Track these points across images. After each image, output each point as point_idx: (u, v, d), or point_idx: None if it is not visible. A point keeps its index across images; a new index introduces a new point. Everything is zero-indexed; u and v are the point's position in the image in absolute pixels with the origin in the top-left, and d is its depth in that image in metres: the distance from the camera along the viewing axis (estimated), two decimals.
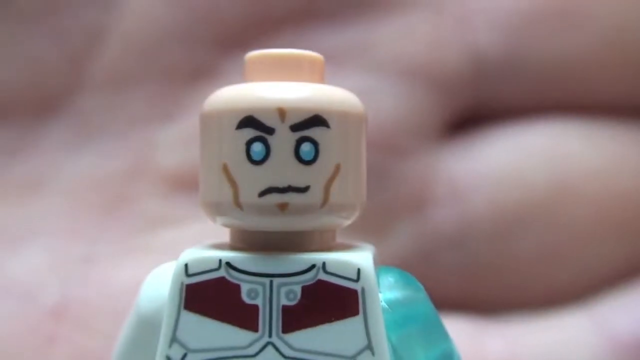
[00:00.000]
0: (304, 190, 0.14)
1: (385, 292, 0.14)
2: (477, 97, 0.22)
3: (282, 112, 0.14)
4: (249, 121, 0.14)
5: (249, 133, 0.14)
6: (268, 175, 0.14)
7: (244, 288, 0.14)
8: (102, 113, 0.22)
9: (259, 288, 0.14)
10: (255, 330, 0.14)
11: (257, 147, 0.14)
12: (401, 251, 0.21)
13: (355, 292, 0.14)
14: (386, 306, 0.14)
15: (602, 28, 0.22)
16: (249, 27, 0.21)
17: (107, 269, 0.21)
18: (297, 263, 0.14)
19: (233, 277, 0.14)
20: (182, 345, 0.14)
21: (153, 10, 0.21)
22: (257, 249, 0.14)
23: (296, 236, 0.14)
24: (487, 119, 0.22)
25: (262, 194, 0.14)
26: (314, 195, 0.14)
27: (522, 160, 0.22)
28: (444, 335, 0.15)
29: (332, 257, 0.14)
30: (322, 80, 0.15)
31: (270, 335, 0.14)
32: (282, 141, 0.14)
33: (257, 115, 0.14)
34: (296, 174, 0.14)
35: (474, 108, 0.22)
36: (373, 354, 0.14)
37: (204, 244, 0.15)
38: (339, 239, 0.16)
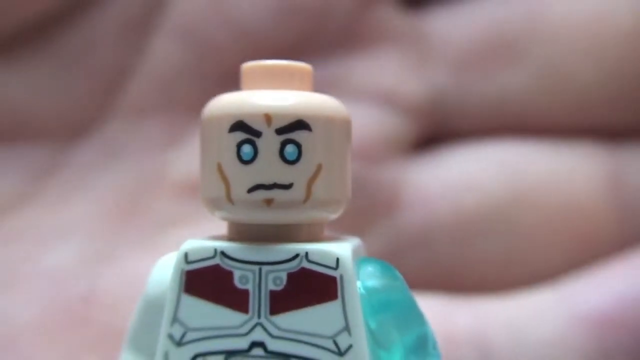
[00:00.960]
0: (288, 187, 0.15)
1: (364, 280, 0.16)
2: (436, 121, 0.25)
3: (268, 118, 0.15)
4: (239, 125, 0.15)
5: (239, 136, 0.15)
6: (256, 173, 0.15)
7: (236, 274, 0.15)
8: (125, 137, 0.25)
9: (249, 274, 0.15)
10: (246, 312, 0.15)
11: (247, 149, 0.15)
12: (372, 249, 0.23)
13: (334, 278, 0.15)
14: (365, 293, 0.15)
15: (538, 62, 0.24)
16: None
17: (128, 262, 0.23)
18: (283, 252, 0.15)
19: (227, 264, 0.16)
20: (182, 324, 0.16)
21: (170, 52, 0.24)
22: (248, 240, 0.16)
23: (283, 229, 0.16)
24: (449, 137, 0.25)
25: (251, 190, 0.15)
26: (297, 192, 0.15)
27: (481, 171, 0.24)
28: (420, 321, 0.16)
29: (314, 248, 0.15)
30: (311, 88, 0.16)
31: (259, 317, 0.15)
32: (269, 143, 0.15)
33: (246, 120, 0.15)
34: (281, 173, 0.15)
35: (435, 130, 0.25)
36: (350, 334, 0.15)
37: (204, 236, 0.17)
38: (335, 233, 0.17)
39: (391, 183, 0.24)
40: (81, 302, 0.22)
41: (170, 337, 0.16)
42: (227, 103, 0.16)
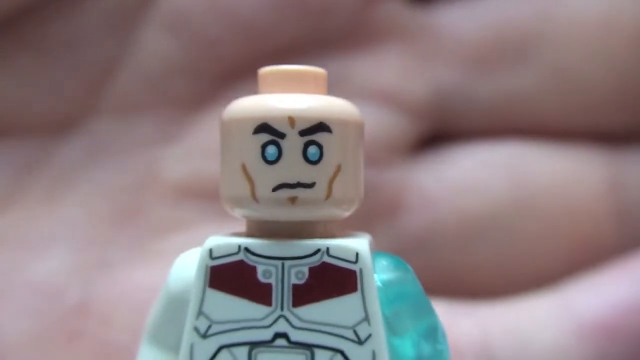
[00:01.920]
0: (310, 186, 0.16)
1: (379, 273, 0.16)
2: (440, 121, 0.25)
3: (292, 120, 0.16)
4: (263, 127, 0.16)
5: (264, 137, 0.16)
6: (280, 173, 0.16)
7: (260, 269, 0.16)
8: (114, 134, 0.24)
9: (272, 269, 0.16)
10: (269, 304, 0.16)
11: (271, 150, 0.16)
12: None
13: (354, 272, 0.16)
14: (380, 285, 0.16)
15: (545, 63, 0.24)
16: (244, 62, 0.24)
17: (123, 270, 0.22)
18: (305, 248, 0.16)
19: (250, 260, 0.16)
20: (207, 317, 0.16)
21: (162, 46, 0.23)
22: (270, 236, 0.16)
23: (304, 225, 0.16)
24: (452, 138, 0.25)
25: (275, 189, 0.16)
26: (319, 190, 0.16)
27: (484, 174, 0.24)
28: (430, 311, 0.17)
29: (334, 243, 0.16)
30: (325, 91, 0.17)
31: (282, 309, 0.16)
32: (292, 144, 0.16)
33: (270, 123, 0.16)
34: (304, 172, 0.16)
35: (439, 130, 0.25)
36: (369, 324, 0.16)
37: (224, 233, 0.17)
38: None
39: (393, 185, 0.24)
40: (74, 314, 0.21)
41: (196, 329, 0.16)
42: (251, 105, 0.16)
